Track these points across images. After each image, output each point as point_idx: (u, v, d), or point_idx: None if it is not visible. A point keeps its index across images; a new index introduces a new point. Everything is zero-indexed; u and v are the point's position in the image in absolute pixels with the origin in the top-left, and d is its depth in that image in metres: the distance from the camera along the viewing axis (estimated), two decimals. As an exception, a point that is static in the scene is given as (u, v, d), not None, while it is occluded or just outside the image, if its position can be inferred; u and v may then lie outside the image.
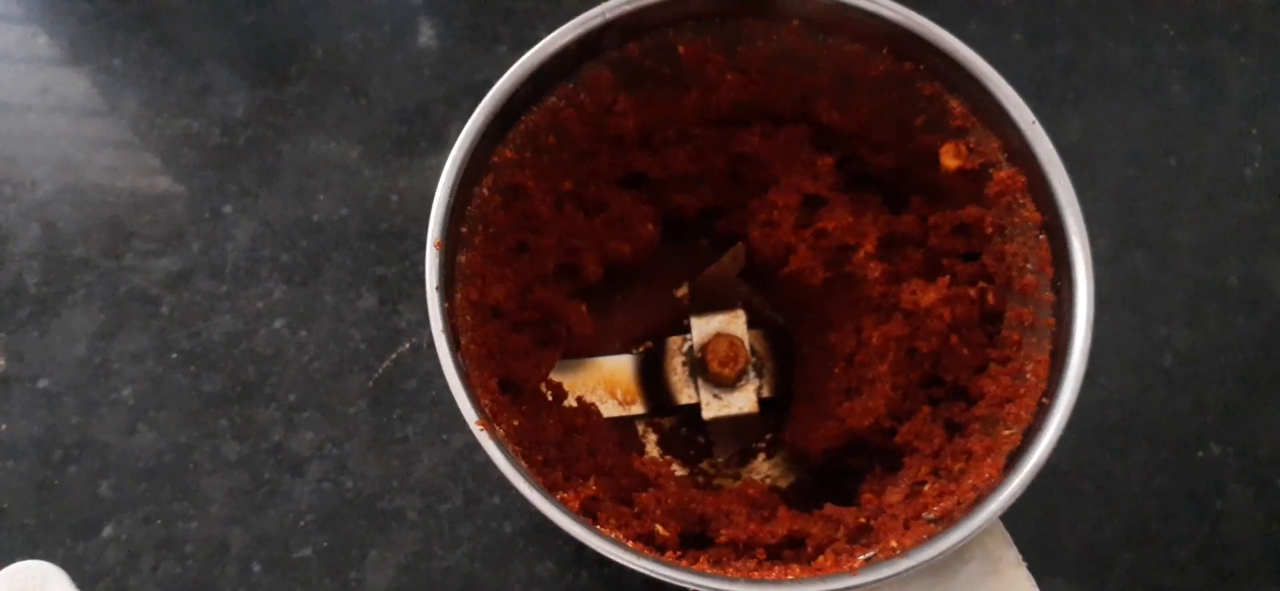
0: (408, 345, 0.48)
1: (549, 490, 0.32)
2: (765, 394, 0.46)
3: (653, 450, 0.46)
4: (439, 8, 0.56)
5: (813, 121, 0.41)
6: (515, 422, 0.35)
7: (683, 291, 0.48)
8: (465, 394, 0.32)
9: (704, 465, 0.46)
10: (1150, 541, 0.45)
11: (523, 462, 0.32)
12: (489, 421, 0.32)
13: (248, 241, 0.50)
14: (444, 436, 0.47)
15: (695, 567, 0.32)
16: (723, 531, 0.36)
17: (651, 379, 0.46)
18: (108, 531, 0.45)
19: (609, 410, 0.45)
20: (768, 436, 0.46)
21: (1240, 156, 0.52)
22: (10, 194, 0.52)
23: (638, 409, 0.45)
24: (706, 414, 0.45)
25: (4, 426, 0.47)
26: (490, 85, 0.36)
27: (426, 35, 0.55)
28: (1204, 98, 0.53)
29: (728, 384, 0.44)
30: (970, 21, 0.55)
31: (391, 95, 0.53)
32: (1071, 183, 0.35)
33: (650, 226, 0.43)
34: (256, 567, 0.44)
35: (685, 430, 0.46)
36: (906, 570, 0.31)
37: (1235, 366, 0.48)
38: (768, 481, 0.45)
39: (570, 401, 0.42)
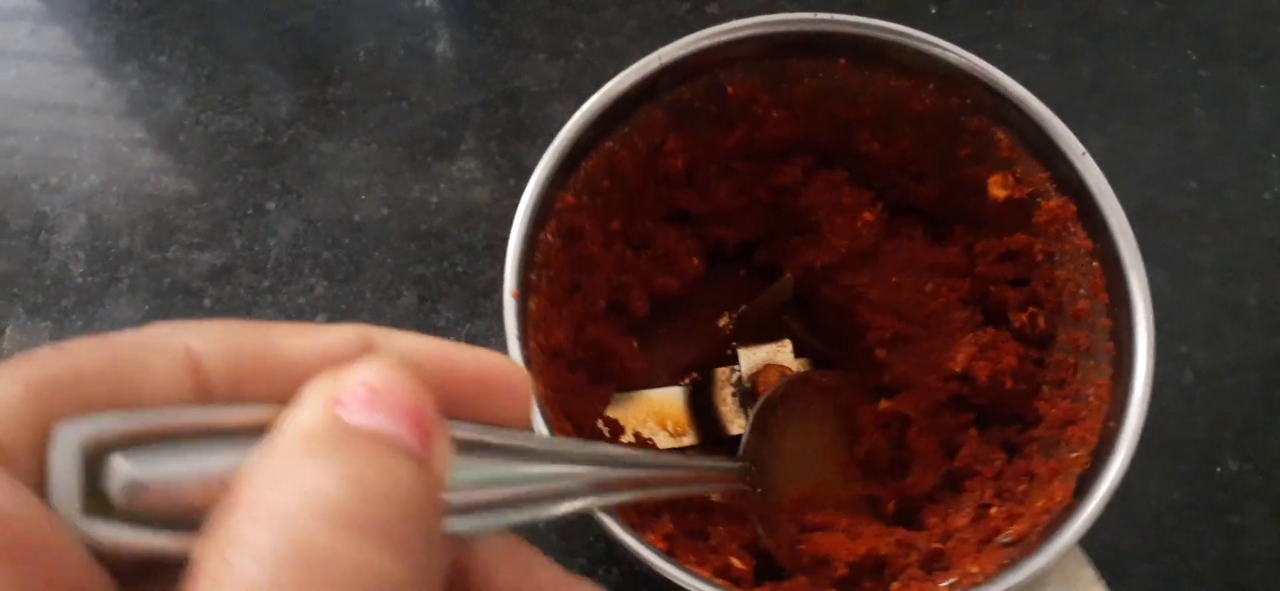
0: (445, 344, 0.49)
1: (631, 527, 0.32)
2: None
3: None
4: (479, 15, 0.57)
5: (853, 153, 0.42)
6: None
7: (725, 321, 0.48)
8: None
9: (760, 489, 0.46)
10: (1168, 553, 0.46)
11: None
12: None
13: (290, 238, 0.51)
14: None
15: None
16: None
17: (701, 409, 0.46)
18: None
19: (662, 442, 0.45)
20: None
21: (1259, 180, 0.53)
22: (57, 185, 0.53)
23: (689, 439, 0.46)
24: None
25: (49, 413, 0.48)
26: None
27: (466, 42, 0.56)
28: (1224, 122, 0.55)
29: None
30: (997, 41, 0.56)
31: (432, 99, 0.54)
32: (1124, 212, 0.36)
33: (695, 260, 0.44)
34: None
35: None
36: None
37: (1254, 385, 0.49)
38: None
39: (627, 437, 0.42)
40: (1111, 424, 0.35)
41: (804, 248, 0.44)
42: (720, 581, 0.33)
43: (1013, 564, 0.32)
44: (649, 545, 0.32)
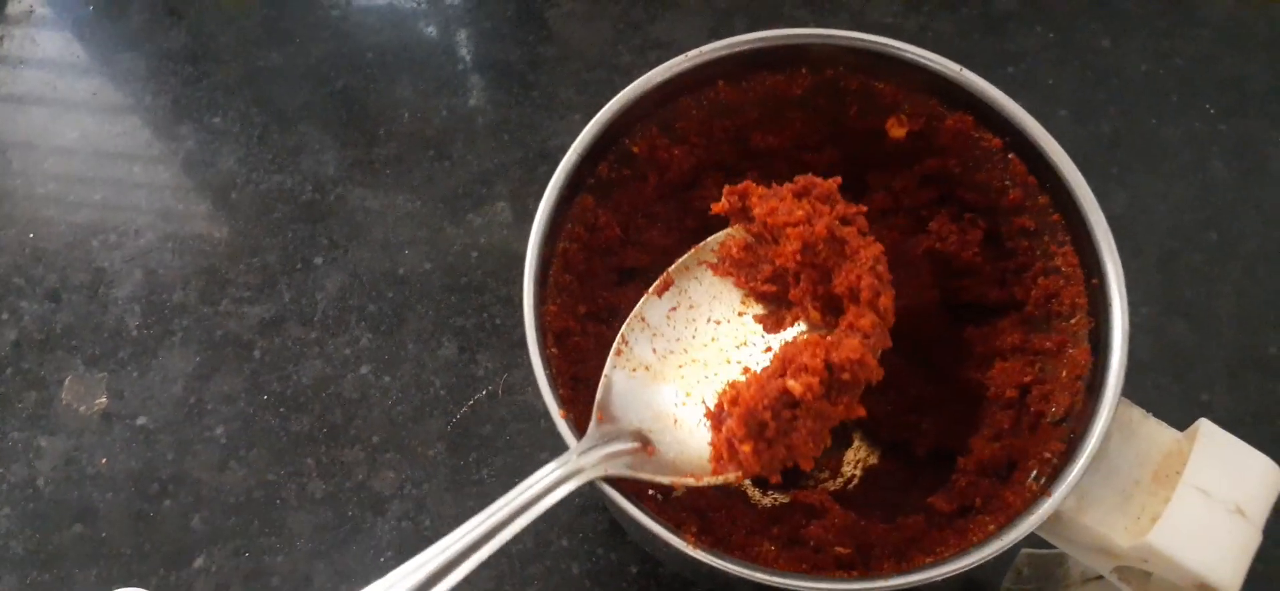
0: (484, 392, 0.51)
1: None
2: None
3: (752, 492, 0.47)
4: (518, 77, 0.59)
5: (754, 153, 0.44)
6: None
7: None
8: (653, 518, 0.34)
9: (800, 480, 0.47)
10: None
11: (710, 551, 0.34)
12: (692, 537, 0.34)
13: (337, 291, 0.53)
14: (517, 480, 0.47)
15: (903, 569, 0.34)
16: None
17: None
18: (199, 562, 0.48)
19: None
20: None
21: (1280, 232, 0.54)
22: (115, 242, 0.55)
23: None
24: None
25: (104, 461, 0.50)
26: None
27: (505, 103, 0.59)
28: (1245, 175, 0.56)
29: None
30: (1019, 98, 0.57)
31: (473, 158, 0.57)
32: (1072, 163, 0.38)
33: None
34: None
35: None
36: (1079, 472, 0.33)
37: (1275, 434, 0.49)
38: (861, 464, 0.47)
39: (678, 492, 0.42)
40: (1094, 281, 0.37)
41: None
42: (846, 574, 0.35)
43: (1076, 438, 0.34)
44: (778, 572, 0.33)
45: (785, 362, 0.35)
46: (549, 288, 0.38)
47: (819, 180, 0.38)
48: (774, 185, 0.38)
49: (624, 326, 0.39)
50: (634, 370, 0.38)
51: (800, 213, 0.36)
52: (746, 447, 0.34)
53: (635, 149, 0.42)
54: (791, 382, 0.33)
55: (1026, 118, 0.39)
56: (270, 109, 0.58)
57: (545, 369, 0.35)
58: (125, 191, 0.57)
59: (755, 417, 0.34)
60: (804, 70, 0.42)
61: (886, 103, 0.42)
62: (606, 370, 0.37)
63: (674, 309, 0.40)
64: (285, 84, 0.59)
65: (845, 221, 0.37)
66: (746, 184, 0.38)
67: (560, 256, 0.40)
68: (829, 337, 0.35)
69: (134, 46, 0.61)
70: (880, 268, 0.36)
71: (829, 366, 0.34)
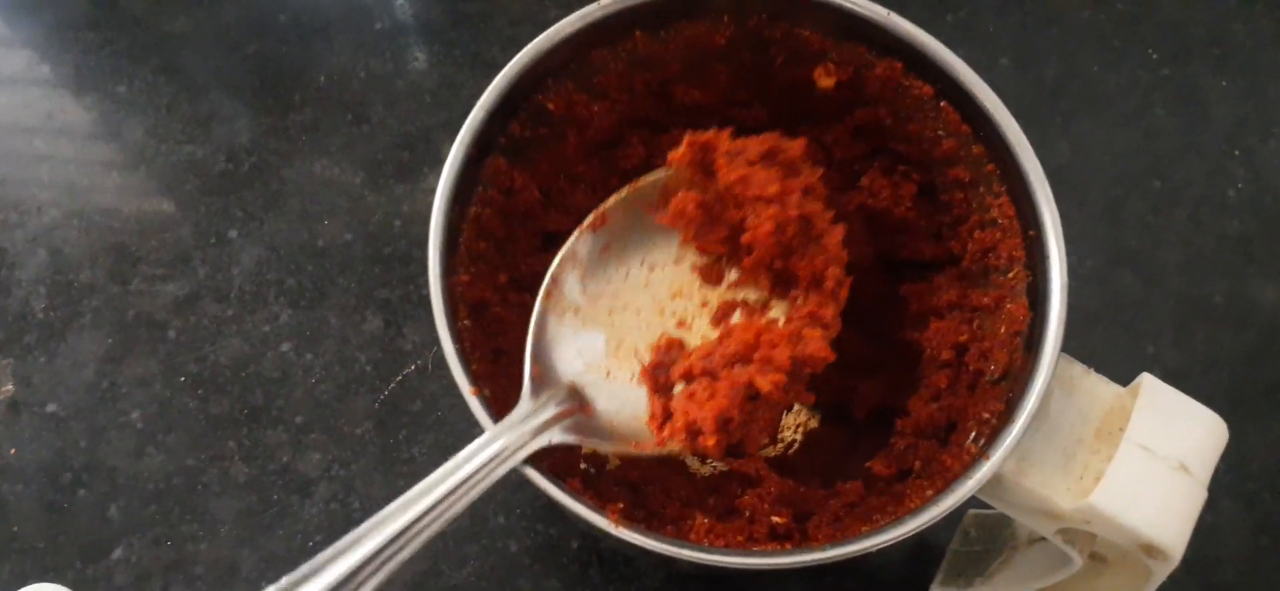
0: (413, 367, 0.49)
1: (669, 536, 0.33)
2: None
3: (691, 461, 0.46)
4: (439, 35, 0.57)
5: (679, 109, 0.43)
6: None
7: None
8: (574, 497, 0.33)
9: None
10: (1141, 554, 0.46)
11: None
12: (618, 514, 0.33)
13: (253, 266, 0.51)
14: (449, 457, 0.47)
15: (839, 538, 0.33)
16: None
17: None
18: (117, 553, 0.46)
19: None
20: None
21: (1224, 178, 0.53)
22: (17, 220, 0.52)
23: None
24: None
25: (13, 451, 0.47)
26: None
27: (427, 63, 0.56)
28: (1188, 121, 0.55)
29: None
30: (959, 47, 0.55)
31: (394, 121, 0.54)
32: (1044, 168, 0.36)
33: None
34: (267, 588, 0.45)
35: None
36: (1018, 433, 0.32)
37: (1222, 383, 0.49)
38: (801, 428, 0.46)
39: (612, 464, 0.42)
40: (1032, 232, 0.35)
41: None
42: (779, 545, 0.34)
43: (1015, 397, 0.33)
44: (715, 549, 0.33)
45: (744, 349, 0.34)
46: (460, 256, 0.36)
47: (785, 143, 0.36)
48: (738, 140, 0.36)
49: (553, 264, 0.37)
50: (563, 314, 0.36)
51: (774, 187, 0.35)
52: (711, 441, 0.33)
53: (551, 106, 0.39)
54: (760, 380, 0.33)
55: (958, 63, 0.37)
56: (179, 76, 0.55)
57: (454, 343, 0.34)
58: (26, 166, 0.54)
59: (725, 415, 0.33)
60: (725, 18, 0.40)
61: (813, 51, 0.40)
62: (536, 312, 0.36)
63: (607, 247, 0.38)
64: (194, 50, 0.56)
65: (808, 191, 0.36)
66: (713, 134, 0.36)
67: (472, 222, 0.37)
68: (785, 327, 0.35)
69: (30, 12, 0.58)
70: (842, 254, 0.36)
71: (793, 360, 0.33)
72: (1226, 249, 0.52)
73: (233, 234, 0.52)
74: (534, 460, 0.32)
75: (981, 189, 0.38)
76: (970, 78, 0.37)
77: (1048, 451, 0.33)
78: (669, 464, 0.43)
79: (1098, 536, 0.33)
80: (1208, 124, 0.55)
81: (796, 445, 0.45)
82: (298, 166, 0.53)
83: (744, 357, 0.34)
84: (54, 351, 0.50)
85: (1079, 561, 0.34)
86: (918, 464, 0.36)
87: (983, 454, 0.32)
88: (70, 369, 0.49)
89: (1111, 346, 0.50)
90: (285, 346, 0.49)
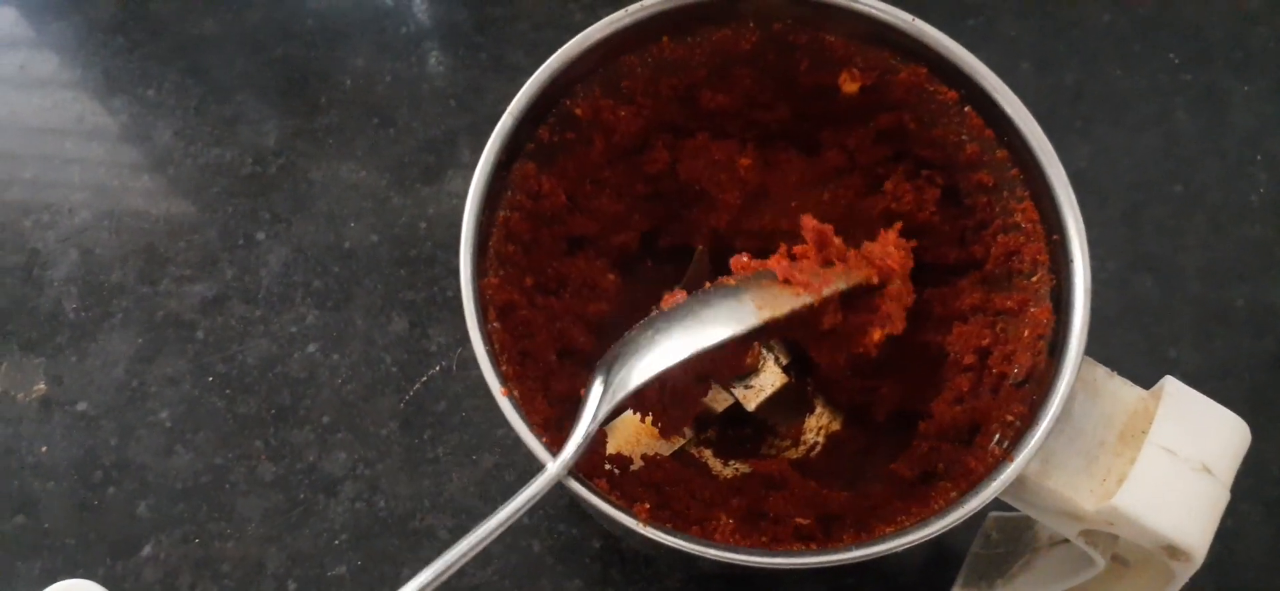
0: (438, 368, 0.49)
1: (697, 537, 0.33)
2: (784, 360, 0.47)
3: (714, 463, 0.47)
4: (463, 39, 0.57)
5: (704, 114, 0.43)
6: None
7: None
8: (603, 498, 0.33)
9: (763, 449, 0.47)
10: (1162, 557, 0.46)
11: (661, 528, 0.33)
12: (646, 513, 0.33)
13: (280, 267, 0.52)
14: (473, 457, 0.48)
15: (863, 540, 0.33)
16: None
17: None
18: (146, 551, 0.46)
19: (663, 451, 0.45)
20: (809, 388, 0.47)
21: (1245, 182, 0.53)
22: (49, 221, 0.53)
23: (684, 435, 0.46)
24: (750, 407, 0.46)
25: (45, 449, 0.48)
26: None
27: (450, 66, 0.57)
28: (1209, 125, 0.55)
29: (751, 371, 0.46)
30: (980, 51, 0.56)
31: (418, 125, 0.55)
32: (1066, 172, 0.36)
33: (610, 276, 0.45)
34: (292, 586, 0.46)
35: (730, 431, 0.47)
36: (1042, 435, 0.32)
37: (1242, 387, 0.49)
38: (823, 430, 0.46)
39: (635, 465, 0.42)
40: (1055, 237, 0.36)
41: (702, 217, 0.45)
42: (808, 545, 0.34)
43: (1039, 400, 0.33)
44: (742, 550, 0.33)
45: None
46: (489, 259, 0.37)
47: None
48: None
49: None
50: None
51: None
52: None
53: (578, 111, 0.40)
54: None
55: (981, 68, 0.37)
56: (207, 79, 0.56)
57: (485, 345, 0.34)
58: (58, 168, 0.54)
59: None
60: (750, 24, 0.40)
61: (838, 57, 0.40)
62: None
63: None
64: (221, 53, 0.57)
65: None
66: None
67: (501, 226, 0.38)
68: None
69: (61, 17, 0.59)
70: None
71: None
72: (1248, 253, 0.52)
73: (260, 236, 0.52)
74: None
75: (1005, 193, 0.38)
76: (994, 83, 0.37)
77: (1071, 453, 0.33)
78: (692, 467, 0.44)
79: (1120, 538, 0.33)
80: (1229, 128, 0.55)
81: (819, 447, 0.46)
82: (324, 169, 0.54)
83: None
84: (85, 351, 0.50)
85: (1102, 563, 0.34)
86: (941, 466, 0.36)
87: (1007, 456, 0.33)
88: (100, 368, 0.50)
89: (1131, 350, 0.50)
90: (312, 347, 0.50)
